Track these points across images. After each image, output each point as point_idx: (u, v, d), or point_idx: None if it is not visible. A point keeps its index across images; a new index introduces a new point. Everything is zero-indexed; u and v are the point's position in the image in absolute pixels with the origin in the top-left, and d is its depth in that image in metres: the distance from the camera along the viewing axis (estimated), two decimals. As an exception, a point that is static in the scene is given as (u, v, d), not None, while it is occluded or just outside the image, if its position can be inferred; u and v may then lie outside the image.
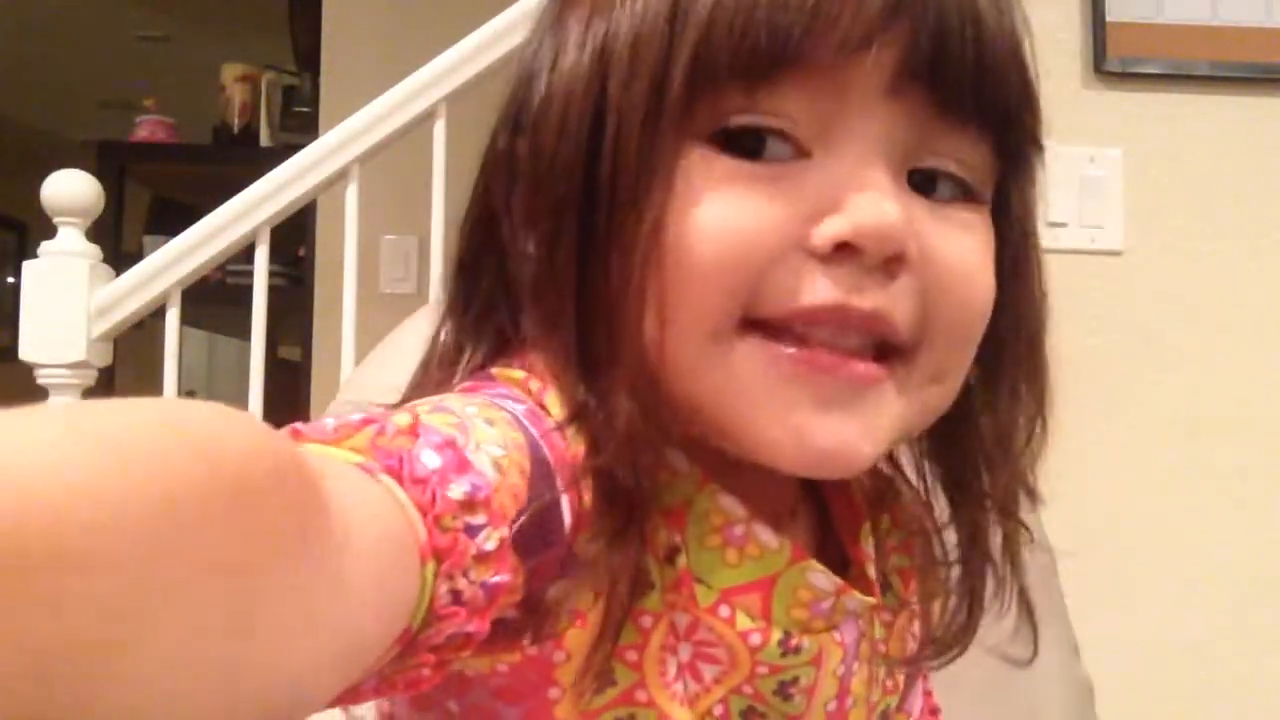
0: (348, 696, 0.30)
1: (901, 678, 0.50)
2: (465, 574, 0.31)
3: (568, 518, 0.37)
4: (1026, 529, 0.49)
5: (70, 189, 1.36)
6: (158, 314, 1.46)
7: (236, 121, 2.78)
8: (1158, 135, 1.45)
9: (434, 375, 0.45)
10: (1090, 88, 1.45)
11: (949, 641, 0.47)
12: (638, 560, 0.39)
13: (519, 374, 0.41)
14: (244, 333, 1.52)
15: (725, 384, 0.39)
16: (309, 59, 2.50)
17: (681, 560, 0.41)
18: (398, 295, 2.23)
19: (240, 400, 1.70)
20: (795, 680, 0.43)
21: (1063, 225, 1.44)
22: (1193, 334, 1.44)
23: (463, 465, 0.32)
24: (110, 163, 2.65)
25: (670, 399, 0.40)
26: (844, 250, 0.38)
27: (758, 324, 0.39)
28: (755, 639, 0.42)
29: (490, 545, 0.32)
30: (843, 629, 0.45)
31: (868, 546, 0.47)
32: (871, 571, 0.47)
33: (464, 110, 1.50)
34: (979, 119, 0.41)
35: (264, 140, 2.72)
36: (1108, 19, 1.44)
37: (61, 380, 1.35)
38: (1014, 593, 0.47)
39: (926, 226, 0.40)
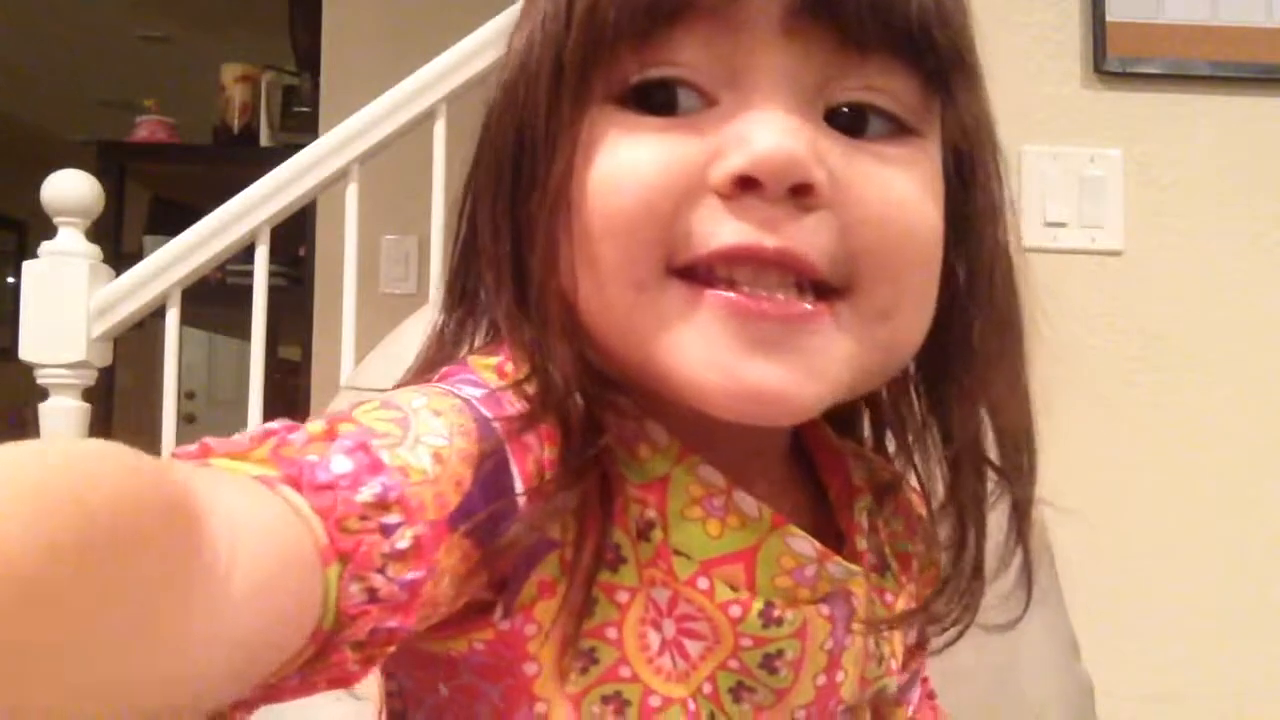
0: (268, 695, 0.30)
1: (901, 658, 0.49)
2: (381, 572, 0.31)
3: (519, 484, 0.37)
4: (1028, 493, 0.48)
5: (70, 189, 1.36)
6: (158, 314, 1.46)
7: (236, 121, 2.78)
8: (1158, 135, 1.45)
9: (429, 366, 0.45)
10: (1090, 88, 1.45)
11: (951, 618, 0.46)
12: (602, 525, 0.39)
13: (493, 360, 0.42)
14: (244, 333, 1.52)
15: (655, 332, 0.39)
16: (309, 59, 2.50)
17: (658, 534, 0.41)
18: (398, 295, 2.23)
19: (240, 400, 1.70)
20: (780, 653, 0.42)
21: (1063, 225, 1.44)
22: (1193, 334, 1.44)
23: (375, 467, 0.32)
24: (110, 163, 2.66)
25: (607, 349, 0.40)
26: (747, 186, 0.37)
27: (683, 271, 0.39)
28: (735, 610, 0.41)
29: (404, 543, 0.32)
30: (831, 603, 0.44)
31: (861, 519, 0.47)
32: (863, 543, 0.46)
33: (464, 110, 1.50)
34: (886, 46, 0.39)
35: (264, 140, 2.72)
36: (1108, 19, 1.44)
37: (61, 380, 1.35)
38: (1017, 558, 0.46)
39: (845, 161, 0.39)
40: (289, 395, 2.35)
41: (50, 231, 1.38)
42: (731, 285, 0.38)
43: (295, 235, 2.25)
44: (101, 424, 2.02)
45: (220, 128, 2.81)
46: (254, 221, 1.43)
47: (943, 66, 0.41)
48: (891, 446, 0.50)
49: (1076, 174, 1.44)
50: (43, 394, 1.36)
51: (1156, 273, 1.45)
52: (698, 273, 0.38)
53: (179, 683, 0.24)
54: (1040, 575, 0.82)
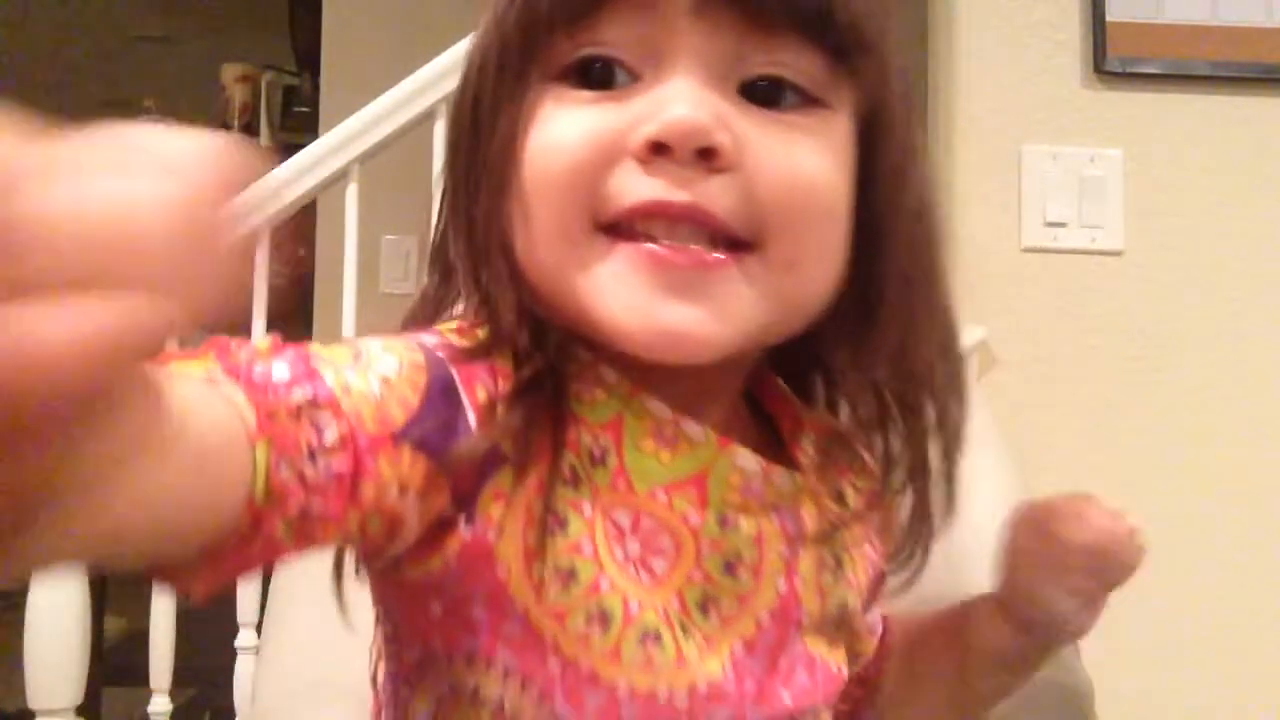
0: (212, 563, 0.34)
1: (864, 576, 0.53)
2: (311, 460, 0.36)
3: (472, 415, 0.42)
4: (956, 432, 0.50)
5: (70, 189, 1.36)
6: (158, 314, 1.46)
7: (236, 121, 2.79)
8: (1158, 135, 1.45)
9: (409, 323, 0.51)
10: (1090, 88, 1.45)
11: (908, 544, 0.51)
12: (554, 444, 0.43)
13: (454, 323, 0.48)
14: (244, 333, 1.51)
15: (582, 280, 0.44)
16: (309, 59, 2.50)
17: (613, 460, 0.45)
18: (398, 295, 2.23)
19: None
20: (740, 557, 0.47)
21: (1063, 225, 1.44)
22: (1193, 334, 1.44)
23: (310, 375, 0.38)
24: (110, 163, 2.65)
25: (545, 298, 0.45)
26: (660, 150, 0.42)
27: (608, 228, 0.43)
28: (694, 518, 0.46)
29: (331, 438, 0.37)
30: (784, 517, 0.49)
31: (807, 446, 0.51)
32: (805, 460, 0.51)
33: (464, 110, 1.50)
34: (789, 26, 0.43)
35: (264, 140, 2.72)
36: (1108, 19, 1.44)
37: (61, 380, 1.35)
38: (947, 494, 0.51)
39: (752, 128, 0.43)
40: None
41: (50, 231, 1.38)
42: (649, 239, 0.43)
43: (295, 235, 2.25)
44: (101, 424, 2.02)
45: (220, 128, 2.82)
46: (254, 221, 1.43)
47: (844, 44, 0.44)
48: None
49: (1076, 174, 1.44)
50: (43, 394, 1.36)
51: (1156, 273, 1.45)
52: (620, 229, 0.43)
53: (133, 528, 0.28)
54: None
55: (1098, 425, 1.43)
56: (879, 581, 0.56)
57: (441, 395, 0.41)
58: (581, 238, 0.43)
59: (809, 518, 0.50)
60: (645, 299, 0.42)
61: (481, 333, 0.45)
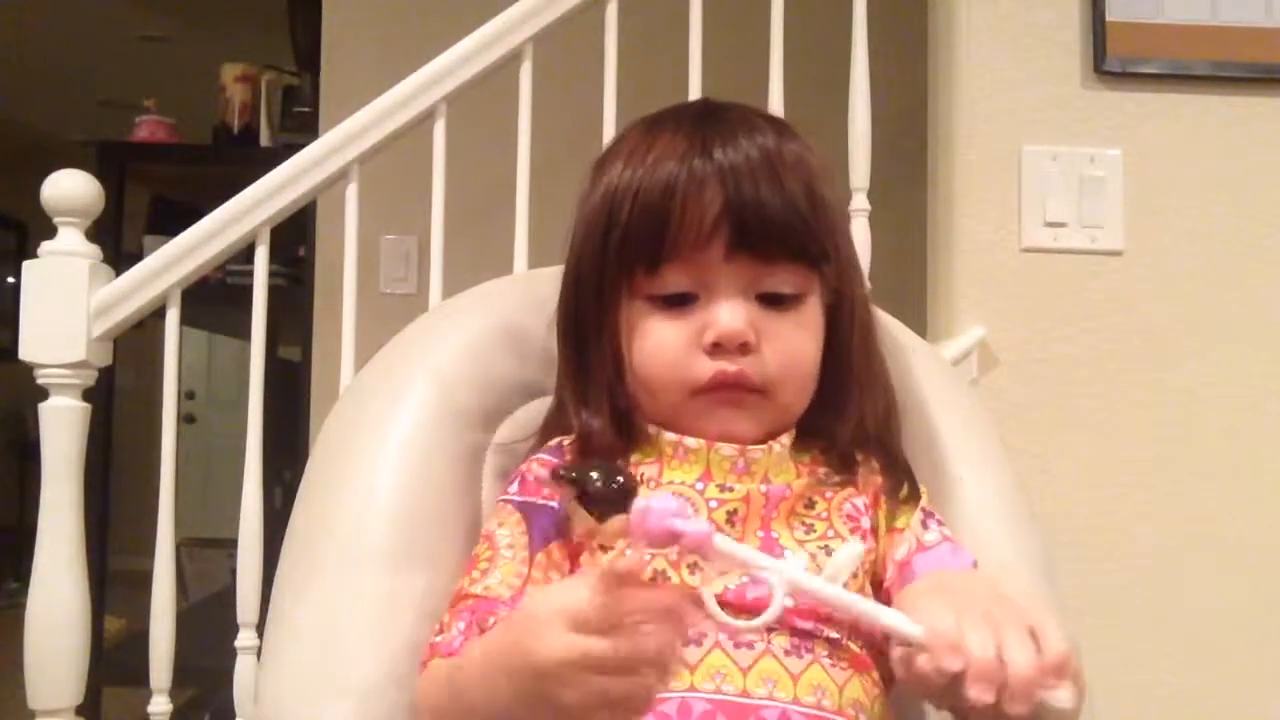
0: None
1: (845, 529, 0.74)
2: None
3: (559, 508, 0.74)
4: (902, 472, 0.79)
5: (70, 189, 1.36)
6: (158, 314, 1.45)
7: (236, 121, 2.78)
8: (1158, 135, 1.45)
9: (546, 429, 0.81)
10: (1090, 88, 1.46)
11: (891, 481, 0.78)
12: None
13: (567, 439, 0.79)
14: (244, 333, 1.51)
15: (689, 417, 0.75)
16: (309, 59, 2.50)
17: (654, 473, 0.75)
18: (398, 295, 2.23)
19: (240, 400, 1.70)
20: (735, 511, 0.72)
21: (1063, 225, 1.44)
22: (1193, 334, 1.44)
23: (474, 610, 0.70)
24: (110, 163, 2.65)
25: (657, 416, 0.76)
26: (717, 346, 0.72)
27: (697, 390, 0.74)
28: (699, 485, 0.74)
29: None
30: (769, 485, 0.73)
31: (786, 440, 0.77)
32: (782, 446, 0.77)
33: (464, 110, 1.50)
34: (782, 257, 0.72)
35: (264, 140, 2.71)
36: (1108, 19, 1.44)
37: (61, 380, 1.35)
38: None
39: (767, 325, 0.73)
40: (289, 395, 2.35)
41: (50, 231, 1.38)
42: (719, 389, 0.74)
43: (295, 235, 2.25)
44: (101, 424, 2.02)
45: (220, 128, 2.81)
46: (254, 221, 1.43)
47: (815, 259, 0.73)
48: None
49: (1076, 174, 1.44)
50: (43, 394, 1.36)
51: (1156, 273, 1.45)
52: (702, 388, 0.74)
53: None
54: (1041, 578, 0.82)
55: (1098, 425, 1.43)
56: (860, 517, 0.76)
57: (533, 510, 0.75)
58: (681, 400, 0.74)
59: (794, 487, 0.74)
60: (721, 417, 0.74)
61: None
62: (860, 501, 0.76)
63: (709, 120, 0.75)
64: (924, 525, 0.75)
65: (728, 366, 0.72)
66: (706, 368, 0.72)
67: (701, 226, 0.71)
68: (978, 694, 0.53)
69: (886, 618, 0.57)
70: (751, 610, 0.65)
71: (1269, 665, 1.42)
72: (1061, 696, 0.53)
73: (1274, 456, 1.44)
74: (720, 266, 0.71)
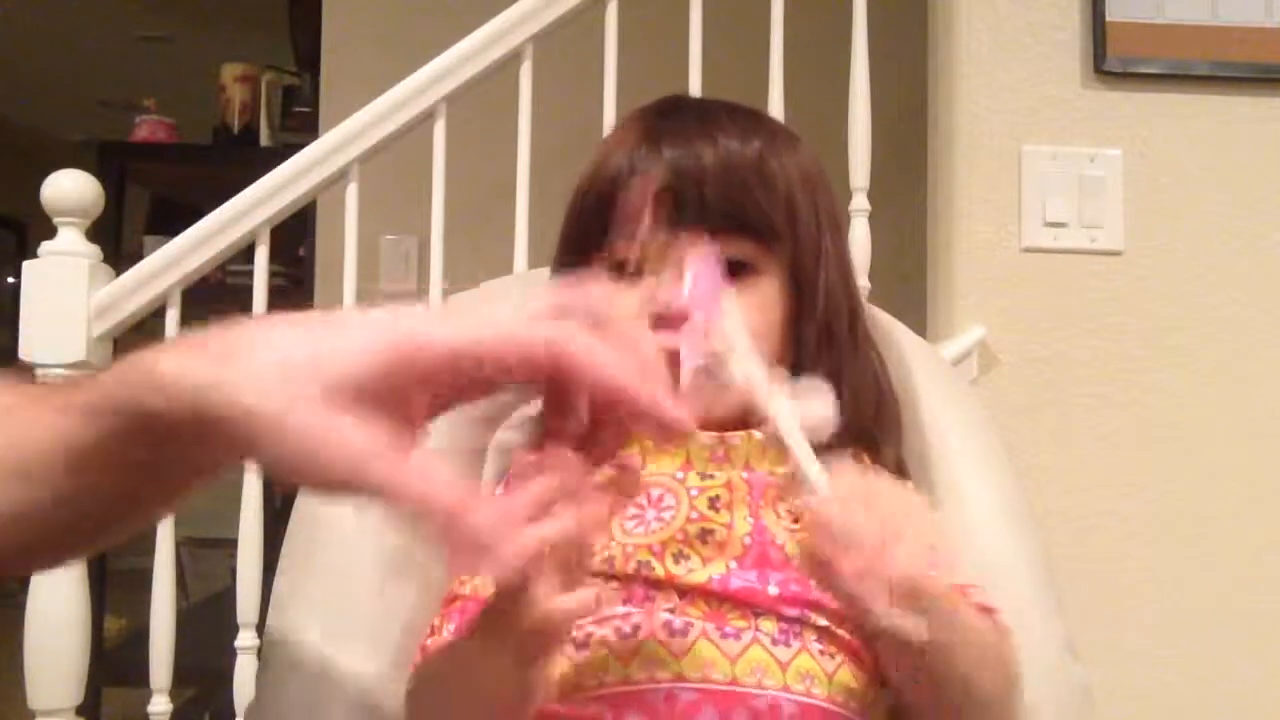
0: None
1: None
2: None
3: None
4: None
5: (70, 189, 1.36)
6: (158, 314, 1.45)
7: (236, 121, 2.78)
8: (1158, 135, 1.45)
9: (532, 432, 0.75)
10: (1090, 88, 1.46)
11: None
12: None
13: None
14: (244, 333, 1.51)
15: None
16: (309, 59, 2.50)
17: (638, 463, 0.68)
18: (398, 295, 2.23)
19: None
20: (718, 497, 0.71)
21: (1063, 225, 1.44)
22: (1193, 334, 1.44)
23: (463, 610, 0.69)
24: (110, 163, 2.65)
25: None
26: (660, 319, 0.64)
27: None
28: (680, 474, 0.72)
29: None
30: (751, 474, 0.73)
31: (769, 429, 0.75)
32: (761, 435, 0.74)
33: (464, 110, 1.50)
34: (724, 228, 0.71)
35: (264, 140, 2.72)
36: (1108, 19, 1.44)
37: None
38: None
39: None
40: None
41: (50, 231, 1.38)
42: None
43: (295, 235, 2.25)
44: (101, 424, 2.01)
45: (220, 128, 2.81)
46: (254, 221, 1.43)
47: (761, 234, 0.73)
48: None
49: (1076, 174, 1.44)
50: (43, 394, 1.36)
51: (1156, 273, 1.45)
52: None
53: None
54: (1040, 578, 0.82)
55: (1098, 425, 1.43)
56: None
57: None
58: None
59: (776, 478, 0.73)
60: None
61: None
62: None
63: (667, 114, 0.77)
64: None
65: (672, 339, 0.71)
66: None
67: (643, 204, 0.71)
68: (848, 563, 0.54)
69: (812, 469, 0.57)
70: (736, 599, 0.66)
71: (1269, 665, 1.42)
72: (897, 617, 0.53)
73: (1274, 456, 1.44)
74: (664, 242, 0.70)
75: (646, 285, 0.68)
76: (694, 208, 0.71)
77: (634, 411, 0.48)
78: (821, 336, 0.77)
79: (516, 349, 0.44)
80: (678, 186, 0.72)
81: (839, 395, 0.71)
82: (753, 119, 0.78)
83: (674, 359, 0.64)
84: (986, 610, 0.68)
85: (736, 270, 0.72)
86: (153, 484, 0.46)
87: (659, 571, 0.67)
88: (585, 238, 0.75)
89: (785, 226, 0.74)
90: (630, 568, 0.67)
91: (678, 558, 0.68)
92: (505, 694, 0.56)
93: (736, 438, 0.73)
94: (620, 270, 0.71)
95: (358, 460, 0.40)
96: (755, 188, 0.73)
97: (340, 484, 0.41)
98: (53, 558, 0.54)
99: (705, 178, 0.72)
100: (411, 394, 0.43)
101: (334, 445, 0.40)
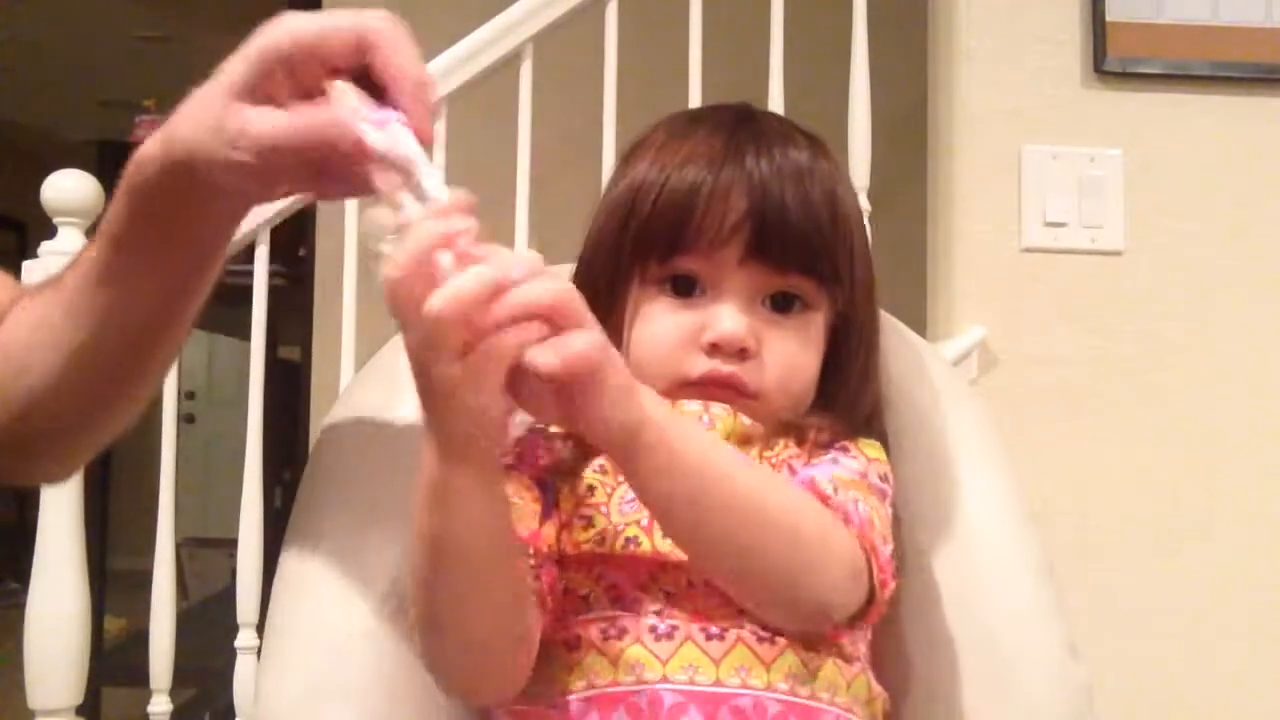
0: None
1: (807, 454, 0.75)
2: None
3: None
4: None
5: (70, 189, 1.36)
6: (158, 314, 1.45)
7: (236, 121, 2.78)
8: (1158, 135, 1.46)
9: None
10: (1090, 88, 1.46)
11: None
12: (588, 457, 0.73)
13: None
14: (244, 333, 1.51)
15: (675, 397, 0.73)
16: (309, 59, 2.49)
17: None
18: (398, 295, 2.22)
19: (240, 400, 1.70)
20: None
21: (1063, 225, 1.44)
22: (1193, 334, 1.45)
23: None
24: (110, 163, 2.65)
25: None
26: (715, 347, 0.72)
27: (687, 384, 0.73)
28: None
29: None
30: (735, 440, 0.73)
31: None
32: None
33: (463, 110, 1.50)
34: (796, 269, 0.73)
35: (264, 140, 2.71)
36: (1108, 19, 1.44)
37: (61, 380, 1.35)
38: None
39: (770, 333, 0.73)
40: (289, 395, 2.35)
41: (50, 231, 1.38)
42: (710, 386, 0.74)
43: (295, 235, 2.25)
44: (101, 424, 2.01)
45: (220, 128, 2.81)
46: (254, 222, 1.43)
47: (825, 277, 0.74)
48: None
49: (1076, 174, 1.44)
50: (43, 394, 1.36)
51: (1156, 273, 1.45)
52: (693, 383, 0.73)
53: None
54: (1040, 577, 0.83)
55: (1098, 425, 1.43)
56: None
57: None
58: (675, 388, 0.72)
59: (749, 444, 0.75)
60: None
61: None
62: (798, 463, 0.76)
63: (745, 125, 0.75)
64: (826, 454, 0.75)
65: (721, 367, 0.72)
66: (700, 365, 0.72)
67: (722, 228, 0.71)
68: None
69: (433, 178, 0.59)
70: (719, 590, 0.66)
71: (1268, 665, 1.42)
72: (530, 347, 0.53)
73: (1274, 456, 1.44)
74: (733, 269, 0.71)
75: (706, 311, 0.72)
76: (775, 244, 0.72)
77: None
78: (861, 373, 0.78)
79: (337, 33, 0.60)
80: (760, 219, 0.71)
81: (843, 411, 0.76)
82: (820, 148, 0.77)
83: (722, 382, 0.72)
84: (821, 496, 0.68)
85: (790, 304, 0.73)
86: (165, 262, 0.67)
87: (645, 547, 0.67)
88: (647, 241, 0.73)
89: (846, 271, 0.75)
90: (619, 545, 0.67)
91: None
92: (474, 515, 0.57)
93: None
94: (677, 281, 0.73)
95: (278, 124, 0.56)
96: (828, 232, 0.73)
97: (272, 153, 0.56)
98: (102, 407, 0.70)
99: (788, 216, 0.72)
100: (280, 82, 0.58)
101: (254, 122, 0.56)
